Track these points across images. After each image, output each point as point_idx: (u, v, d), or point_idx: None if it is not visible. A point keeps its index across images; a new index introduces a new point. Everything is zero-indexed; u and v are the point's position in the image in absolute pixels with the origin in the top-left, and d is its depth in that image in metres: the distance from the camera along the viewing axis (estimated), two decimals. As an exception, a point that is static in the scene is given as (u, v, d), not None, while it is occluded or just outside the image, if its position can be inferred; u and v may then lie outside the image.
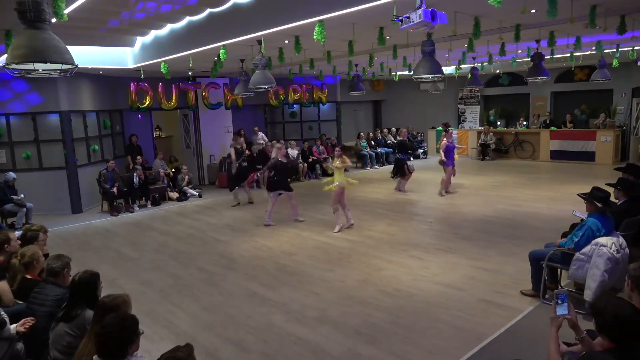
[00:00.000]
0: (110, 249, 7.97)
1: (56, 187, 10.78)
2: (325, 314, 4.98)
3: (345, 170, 8.36)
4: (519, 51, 10.92)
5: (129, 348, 2.53)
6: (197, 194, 12.27)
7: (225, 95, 14.55)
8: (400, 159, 11.35)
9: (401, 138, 11.91)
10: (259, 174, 11.49)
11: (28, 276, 3.99)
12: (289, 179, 9.32)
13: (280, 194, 8.82)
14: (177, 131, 15.60)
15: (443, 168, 10.83)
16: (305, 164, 14.36)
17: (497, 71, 17.53)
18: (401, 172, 11.28)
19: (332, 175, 8.25)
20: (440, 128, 18.40)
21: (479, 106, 19.04)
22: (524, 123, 16.77)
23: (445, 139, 10.82)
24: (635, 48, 11.00)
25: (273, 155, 8.98)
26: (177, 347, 2.52)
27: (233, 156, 11.16)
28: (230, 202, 11.01)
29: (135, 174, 10.98)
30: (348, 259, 6.70)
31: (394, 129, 18.23)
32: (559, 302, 2.76)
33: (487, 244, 7.06)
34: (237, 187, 10.96)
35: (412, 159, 14.31)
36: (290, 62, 10.19)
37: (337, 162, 8.02)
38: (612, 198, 5.13)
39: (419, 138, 18.52)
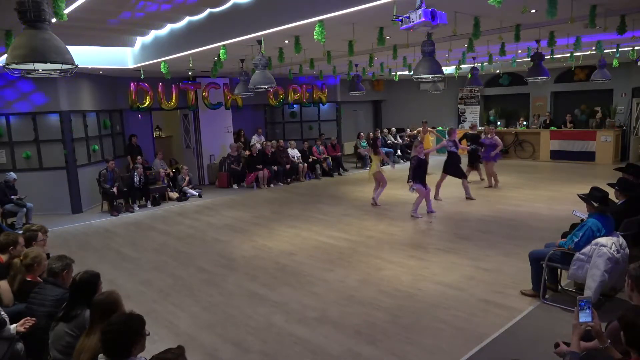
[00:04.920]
0: (110, 249, 7.97)
1: (56, 187, 10.77)
2: (325, 314, 4.98)
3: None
4: (519, 51, 10.91)
5: (133, 348, 2.52)
6: (197, 194, 12.27)
7: (225, 95, 14.54)
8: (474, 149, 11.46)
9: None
10: None
11: (28, 278, 3.98)
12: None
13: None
14: (177, 131, 15.60)
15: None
16: (306, 164, 14.36)
17: (497, 71, 17.52)
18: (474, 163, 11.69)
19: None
20: (441, 128, 18.48)
21: (479, 106, 19.03)
22: (524, 123, 16.77)
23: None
24: (635, 48, 10.99)
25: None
26: (168, 349, 2.52)
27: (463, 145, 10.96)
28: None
29: (135, 173, 10.98)
30: (348, 259, 6.70)
31: (393, 129, 18.23)
32: (582, 309, 2.66)
33: (487, 244, 7.07)
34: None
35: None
36: (290, 62, 10.19)
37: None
38: (612, 198, 5.14)
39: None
